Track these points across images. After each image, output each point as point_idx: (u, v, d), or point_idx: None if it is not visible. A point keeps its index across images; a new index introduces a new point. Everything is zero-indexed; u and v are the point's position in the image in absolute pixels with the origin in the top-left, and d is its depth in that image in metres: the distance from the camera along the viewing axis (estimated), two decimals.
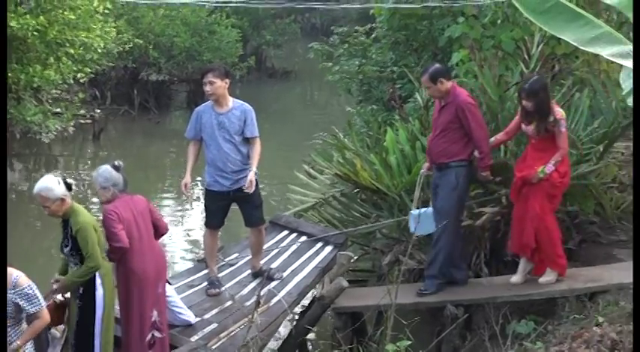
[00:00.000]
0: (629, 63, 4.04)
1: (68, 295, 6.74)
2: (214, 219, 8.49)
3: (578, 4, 9.21)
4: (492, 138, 8.30)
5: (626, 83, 5.38)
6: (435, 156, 8.20)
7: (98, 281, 6.56)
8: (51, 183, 6.39)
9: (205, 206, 8.57)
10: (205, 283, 8.49)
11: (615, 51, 4.12)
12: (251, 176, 8.03)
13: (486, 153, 8.08)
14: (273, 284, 8.43)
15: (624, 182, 10.75)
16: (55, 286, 6.66)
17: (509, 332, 7.48)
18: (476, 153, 8.09)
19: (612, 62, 4.51)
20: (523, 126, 8.04)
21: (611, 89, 10.07)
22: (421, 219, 8.09)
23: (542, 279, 8.18)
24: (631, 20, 3.88)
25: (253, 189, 8.04)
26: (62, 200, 6.40)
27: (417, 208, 8.44)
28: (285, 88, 33.34)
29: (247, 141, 8.24)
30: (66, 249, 6.56)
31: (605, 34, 4.23)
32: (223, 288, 8.29)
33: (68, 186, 6.49)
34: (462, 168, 8.06)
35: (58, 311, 6.72)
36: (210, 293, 8.32)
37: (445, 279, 8.33)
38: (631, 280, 7.74)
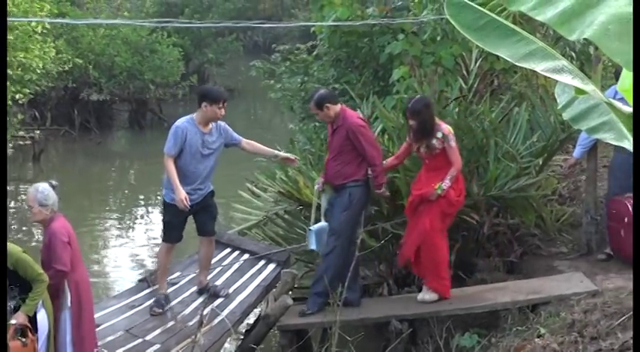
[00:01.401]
0: (562, 78, 4.09)
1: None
2: (176, 233, 8.46)
3: (514, 20, 9.38)
4: (384, 162, 8.39)
5: (561, 98, 5.47)
6: (331, 178, 8.29)
7: (39, 303, 6.46)
8: None
9: (166, 221, 8.46)
10: (148, 303, 8.43)
11: (549, 66, 4.16)
12: (286, 154, 8.92)
13: (379, 172, 8.18)
14: (216, 303, 8.38)
15: (564, 194, 10.94)
16: (15, 320, 6.28)
17: (453, 345, 7.54)
18: (370, 172, 8.15)
19: (550, 77, 4.57)
20: (414, 149, 8.18)
21: (549, 103, 10.23)
22: (318, 234, 8.32)
23: (420, 296, 8.30)
24: (565, 36, 3.94)
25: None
26: None
27: (315, 224, 8.54)
28: (228, 106, 32.84)
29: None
30: None
31: (539, 49, 4.27)
32: (167, 307, 8.22)
33: None
34: (356, 189, 8.15)
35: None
36: (153, 313, 8.26)
37: (327, 298, 8.31)
38: (571, 291, 7.91)
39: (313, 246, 8.43)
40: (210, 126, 8.25)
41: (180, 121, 8.20)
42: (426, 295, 8.27)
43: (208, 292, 8.69)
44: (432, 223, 7.95)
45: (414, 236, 8.02)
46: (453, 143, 7.92)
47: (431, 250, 8.04)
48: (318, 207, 8.59)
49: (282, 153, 8.84)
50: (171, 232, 8.45)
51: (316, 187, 8.58)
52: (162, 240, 8.61)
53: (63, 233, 6.64)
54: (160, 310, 8.29)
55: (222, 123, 8.43)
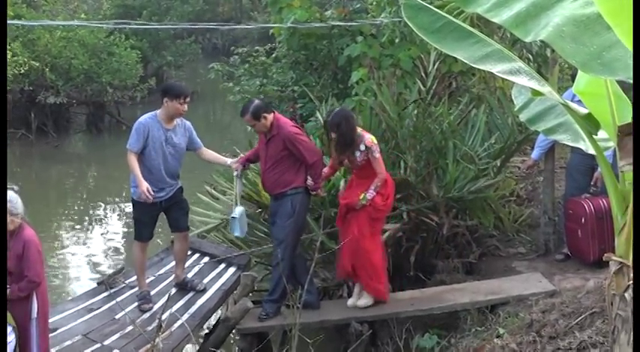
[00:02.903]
0: (519, 79, 4.13)
1: None
2: (147, 231, 8.49)
3: (472, 23, 9.44)
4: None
5: (518, 99, 5.52)
6: (270, 187, 8.27)
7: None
8: None
9: (137, 219, 8.51)
10: (106, 306, 8.38)
11: (506, 68, 4.19)
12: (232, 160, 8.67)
13: (317, 176, 8.16)
14: (176, 307, 8.34)
15: (521, 195, 11.02)
16: None
17: (413, 346, 7.56)
18: (309, 179, 8.16)
19: (507, 79, 4.62)
20: (341, 161, 8.20)
21: (506, 105, 10.31)
22: (239, 220, 8.36)
23: (360, 302, 8.28)
24: (520, 38, 3.97)
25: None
26: None
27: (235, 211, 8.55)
28: (187, 109, 33.02)
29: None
30: None
31: (495, 51, 4.30)
32: (124, 312, 8.15)
33: None
34: (298, 195, 8.12)
35: None
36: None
37: (284, 302, 8.34)
38: (530, 292, 7.98)
39: (237, 233, 8.48)
40: (175, 122, 8.25)
41: (144, 117, 8.20)
42: (362, 300, 8.28)
43: (186, 286, 8.79)
44: (361, 230, 7.93)
45: (348, 248, 7.99)
46: (377, 154, 7.88)
47: (364, 256, 8.04)
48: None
49: (234, 160, 8.72)
50: (142, 230, 8.48)
51: (235, 173, 8.52)
52: (135, 239, 8.61)
53: (37, 242, 6.47)
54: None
55: (188, 123, 8.47)
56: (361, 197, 7.85)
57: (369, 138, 7.89)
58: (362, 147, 7.84)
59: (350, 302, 8.38)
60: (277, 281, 8.10)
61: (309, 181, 8.11)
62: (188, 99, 8.20)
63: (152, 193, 7.92)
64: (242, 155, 8.77)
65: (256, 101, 8.22)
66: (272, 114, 8.11)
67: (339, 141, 7.91)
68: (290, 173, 8.08)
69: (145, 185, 7.88)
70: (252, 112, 7.97)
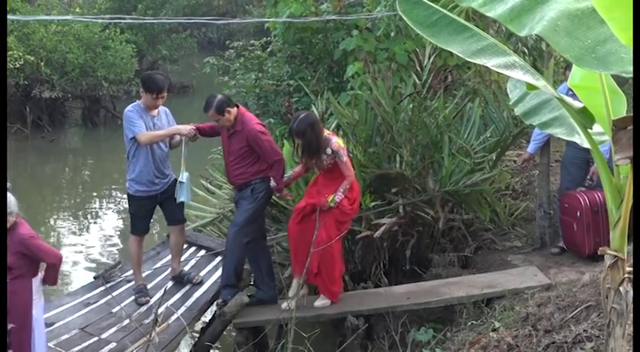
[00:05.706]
0: (514, 73, 4.12)
1: None
2: (143, 225, 8.56)
3: (467, 17, 9.44)
4: (291, 171, 8.41)
5: (513, 93, 5.52)
6: (235, 179, 8.33)
7: None
8: None
9: (133, 213, 8.55)
10: (103, 300, 8.42)
11: (500, 62, 4.18)
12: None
13: (279, 177, 8.17)
14: (172, 300, 8.36)
15: (517, 189, 11.03)
16: None
17: (409, 340, 7.57)
18: (272, 180, 8.18)
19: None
20: (309, 165, 8.23)
21: (501, 99, 10.32)
22: (186, 186, 8.31)
23: (317, 303, 8.31)
24: (515, 32, 3.97)
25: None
26: None
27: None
28: (183, 103, 32.83)
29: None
30: None
31: (490, 45, 4.30)
32: (120, 306, 8.17)
33: None
34: (260, 184, 8.19)
35: None
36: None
37: (238, 285, 8.38)
38: (525, 285, 7.99)
39: (183, 198, 8.39)
40: (158, 109, 8.32)
41: (129, 107, 8.25)
42: (321, 301, 8.31)
43: (183, 279, 8.86)
44: (329, 233, 7.88)
45: (315, 251, 7.93)
46: (345, 158, 7.89)
47: (329, 260, 8.05)
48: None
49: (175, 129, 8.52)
50: (138, 224, 8.53)
51: (183, 139, 8.37)
52: (130, 232, 8.66)
53: (34, 235, 6.50)
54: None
55: (167, 110, 8.56)
56: (330, 199, 7.85)
57: (336, 142, 7.87)
58: (328, 151, 7.86)
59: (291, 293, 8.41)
60: (228, 266, 8.22)
61: (272, 183, 8.16)
62: (163, 94, 8.18)
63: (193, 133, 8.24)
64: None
65: (219, 96, 8.22)
66: (235, 108, 8.13)
67: (306, 148, 7.92)
68: (255, 166, 8.16)
69: (187, 127, 8.23)
70: (216, 107, 7.99)
